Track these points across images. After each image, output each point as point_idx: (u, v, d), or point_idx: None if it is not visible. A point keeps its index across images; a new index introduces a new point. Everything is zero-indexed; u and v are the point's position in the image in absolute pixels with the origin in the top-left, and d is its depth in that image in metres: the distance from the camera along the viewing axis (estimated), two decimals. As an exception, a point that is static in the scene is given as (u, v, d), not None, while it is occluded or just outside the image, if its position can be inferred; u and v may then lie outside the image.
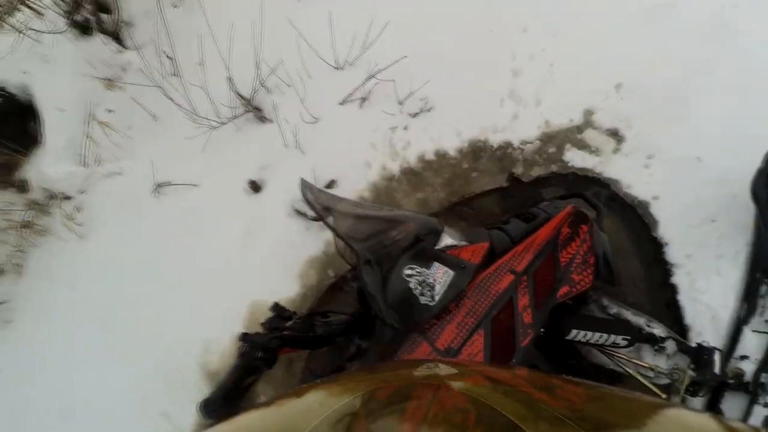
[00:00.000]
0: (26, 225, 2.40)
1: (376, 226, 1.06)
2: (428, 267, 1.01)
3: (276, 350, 0.97)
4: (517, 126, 1.81)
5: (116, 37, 2.46)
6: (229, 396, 0.85)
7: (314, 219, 1.85)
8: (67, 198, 2.35)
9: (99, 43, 2.43)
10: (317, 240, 1.87)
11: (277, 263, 1.88)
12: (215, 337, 1.87)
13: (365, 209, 1.14)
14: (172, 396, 1.85)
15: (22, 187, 2.50)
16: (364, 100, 1.99)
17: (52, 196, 2.40)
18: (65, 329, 2.09)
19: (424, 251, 1.03)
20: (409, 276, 0.98)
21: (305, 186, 1.09)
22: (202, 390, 1.84)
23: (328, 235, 1.85)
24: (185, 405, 1.82)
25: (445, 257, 1.03)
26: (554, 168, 1.75)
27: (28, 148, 2.45)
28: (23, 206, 2.44)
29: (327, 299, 1.88)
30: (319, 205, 1.04)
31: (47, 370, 2.07)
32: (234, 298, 1.87)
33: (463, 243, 1.10)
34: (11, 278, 2.41)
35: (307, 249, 1.87)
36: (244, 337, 0.96)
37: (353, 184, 1.88)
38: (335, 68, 2.07)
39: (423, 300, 0.97)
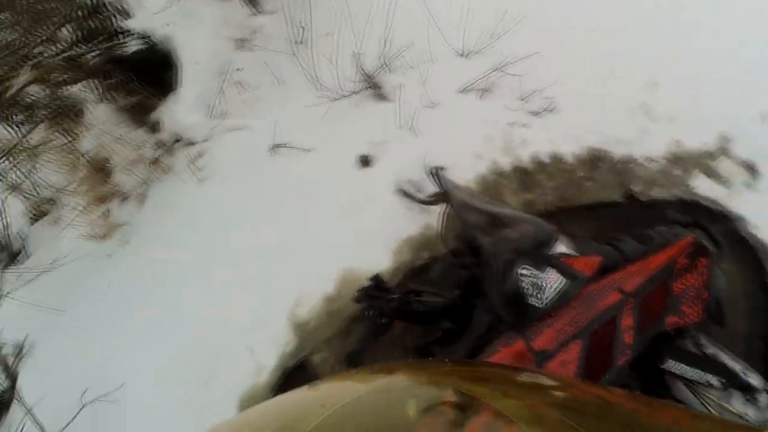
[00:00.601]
0: (154, 162, 2.83)
1: (497, 221, 1.20)
2: (542, 270, 1.14)
3: (393, 319, 1.18)
4: (645, 141, 1.84)
5: (252, 0, 2.75)
6: (364, 350, 1.09)
7: (425, 203, 1.99)
8: (192, 144, 2.73)
9: (237, 4, 2.74)
10: (417, 221, 2.05)
11: (375, 237, 2.08)
12: (306, 293, 2.13)
13: (488, 204, 1.28)
14: (260, 338, 2.15)
15: (154, 127, 2.93)
16: (485, 91, 2.11)
17: (178, 139, 2.80)
18: (181, 266, 2.38)
19: (541, 255, 1.16)
20: (523, 276, 1.12)
21: (437, 172, 1.26)
22: (287, 336, 2.12)
23: (428, 218, 2.03)
24: (270, 347, 2.11)
25: (559, 264, 1.16)
26: (677, 192, 1.77)
27: (164, 94, 2.85)
28: (153, 145, 2.87)
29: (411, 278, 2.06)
30: (446, 192, 1.21)
31: (156, 298, 2.33)
32: (330, 262, 2.11)
33: (575, 253, 1.21)
34: (134, 205, 2.87)
35: (406, 228, 2.05)
36: (370, 304, 1.17)
37: (462, 174, 2.00)
38: (459, 55, 2.19)
39: (532, 300, 1.11)
